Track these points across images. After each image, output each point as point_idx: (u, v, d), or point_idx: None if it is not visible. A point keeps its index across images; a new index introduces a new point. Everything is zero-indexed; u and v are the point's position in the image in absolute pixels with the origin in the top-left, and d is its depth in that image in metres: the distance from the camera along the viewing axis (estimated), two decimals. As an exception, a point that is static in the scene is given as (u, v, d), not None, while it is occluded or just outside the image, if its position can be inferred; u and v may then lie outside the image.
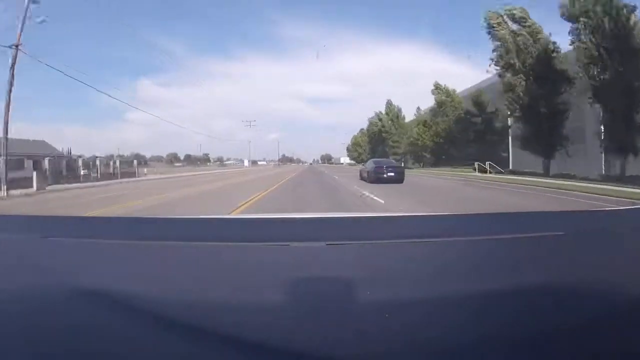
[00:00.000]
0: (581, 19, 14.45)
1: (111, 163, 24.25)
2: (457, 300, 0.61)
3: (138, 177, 23.75)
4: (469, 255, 0.88)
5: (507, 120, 22.73)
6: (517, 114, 19.00)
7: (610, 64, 14.06)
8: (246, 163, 61.57)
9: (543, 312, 0.57)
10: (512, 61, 17.85)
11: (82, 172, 20.37)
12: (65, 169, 19.93)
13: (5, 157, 12.40)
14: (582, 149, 17.28)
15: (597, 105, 15.10)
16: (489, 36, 18.48)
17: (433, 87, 30.16)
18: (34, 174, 14.14)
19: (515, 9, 18.08)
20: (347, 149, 57.14)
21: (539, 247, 0.92)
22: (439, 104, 29.64)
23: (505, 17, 18.20)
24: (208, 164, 65.51)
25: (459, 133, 27.55)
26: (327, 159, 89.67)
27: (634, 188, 9.70)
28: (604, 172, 15.95)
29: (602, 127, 15.24)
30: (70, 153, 23.56)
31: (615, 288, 0.65)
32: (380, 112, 38.71)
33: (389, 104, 37.90)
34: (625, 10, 13.80)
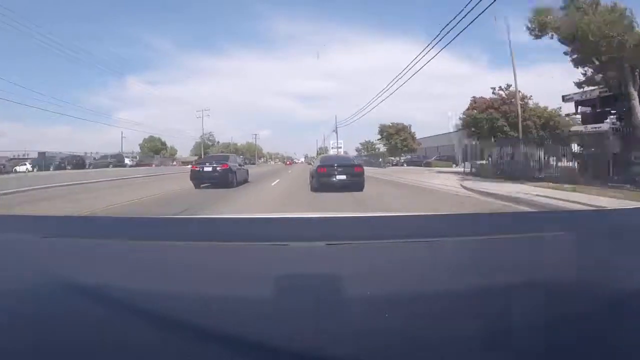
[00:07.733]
0: None
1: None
2: (456, 300, 0.61)
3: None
4: (469, 255, 0.88)
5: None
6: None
7: None
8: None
9: (543, 312, 0.57)
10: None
11: None
12: None
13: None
14: None
15: None
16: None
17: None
18: None
19: None
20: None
21: (539, 247, 0.92)
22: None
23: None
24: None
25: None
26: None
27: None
28: None
29: None
30: None
31: (616, 288, 0.65)
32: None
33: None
34: None
